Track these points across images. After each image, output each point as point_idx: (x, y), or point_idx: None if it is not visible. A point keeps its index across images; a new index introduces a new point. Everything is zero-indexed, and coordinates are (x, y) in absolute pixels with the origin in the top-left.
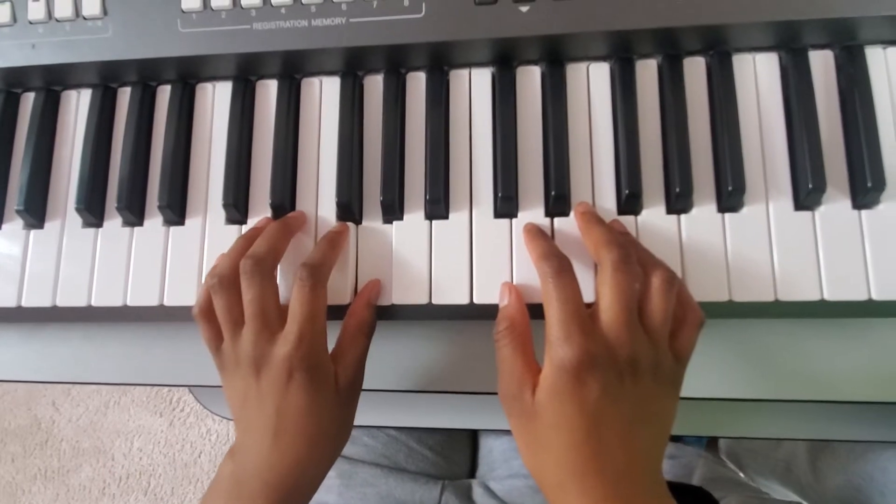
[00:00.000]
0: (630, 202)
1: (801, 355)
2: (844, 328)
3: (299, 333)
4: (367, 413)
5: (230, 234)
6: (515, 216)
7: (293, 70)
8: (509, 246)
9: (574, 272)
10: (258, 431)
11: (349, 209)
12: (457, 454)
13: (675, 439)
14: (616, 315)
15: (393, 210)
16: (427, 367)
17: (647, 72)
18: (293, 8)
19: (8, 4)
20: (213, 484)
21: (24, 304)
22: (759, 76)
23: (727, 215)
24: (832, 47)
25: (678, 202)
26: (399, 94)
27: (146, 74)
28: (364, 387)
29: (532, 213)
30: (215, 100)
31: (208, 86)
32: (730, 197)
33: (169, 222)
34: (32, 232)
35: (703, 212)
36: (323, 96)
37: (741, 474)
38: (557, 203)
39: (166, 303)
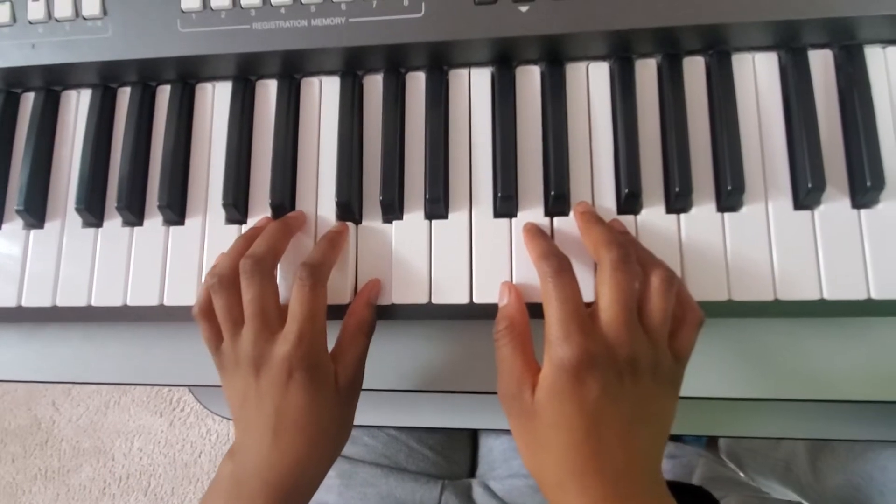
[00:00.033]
0: (629, 201)
1: (800, 354)
2: (844, 327)
3: (299, 333)
4: (367, 413)
5: (230, 234)
6: (515, 216)
7: (293, 70)
8: (509, 245)
9: (573, 272)
10: (258, 431)
11: (349, 209)
12: (457, 454)
13: (675, 439)
14: (615, 314)
15: (392, 210)
16: (427, 367)
17: (647, 71)
18: (293, 8)
19: (8, 4)
20: (212, 484)
21: (24, 303)
22: (758, 76)
23: (726, 215)
24: (831, 47)
25: (678, 201)
26: (399, 93)
27: (146, 74)
28: (364, 386)
29: (532, 212)
30: (215, 100)
31: (208, 86)
32: (729, 196)
33: (169, 222)
34: (32, 232)
35: (703, 211)
36: (322, 96)
37: (741, 474)
38: (557, 202)
39: (166, 302)
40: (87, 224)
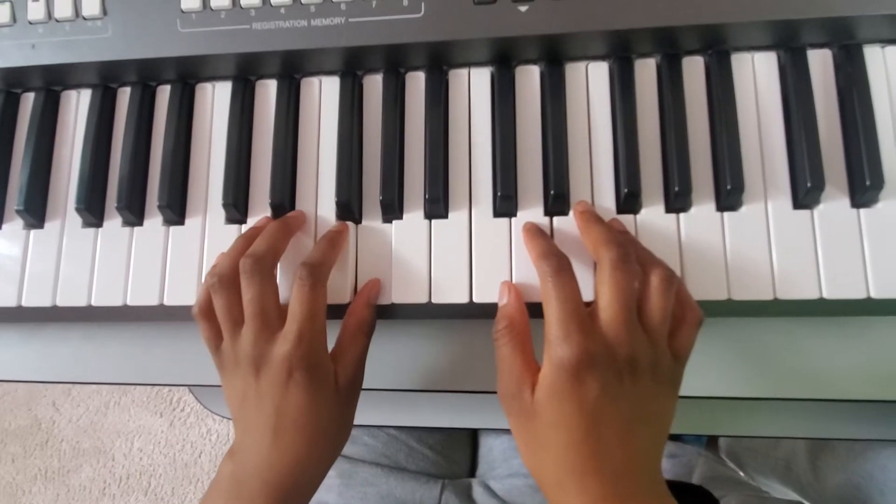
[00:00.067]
0: (629, 201)
1: (799, 354)
2: (843, 326)
3: (299, 332)
4: (367, 412)
5: (230, 234)
6: (515, 215)
7: (293, 70)
8: (508, 245)
9: (573, 271)
10: (257, 431)
11: (349, 208)
12: (457, 453)
13: (675, 438)
14: (615, 314)
15: (392, 209)
16: (427, 367)
17: (646, 71)
18: (292, 8)
19: (8, 4)
20: (213, 484)
21: (24, 303)
22: (757, 75)
23: (726, 214)
24: (831, 46)
25: (677, 201)
26: (398, 93)
27: (146, 74)
28: (364, 386)
29: (531, 212)
30: (215, 100)
31: (208, 86)
32: (728, 196)
33: (169, 222)
34: (32, 232)
35: (702, 211)
36: (322, 96)
37: (741, 473)
38: (556, 202)
39: (166, 302)
40: (87, 224)
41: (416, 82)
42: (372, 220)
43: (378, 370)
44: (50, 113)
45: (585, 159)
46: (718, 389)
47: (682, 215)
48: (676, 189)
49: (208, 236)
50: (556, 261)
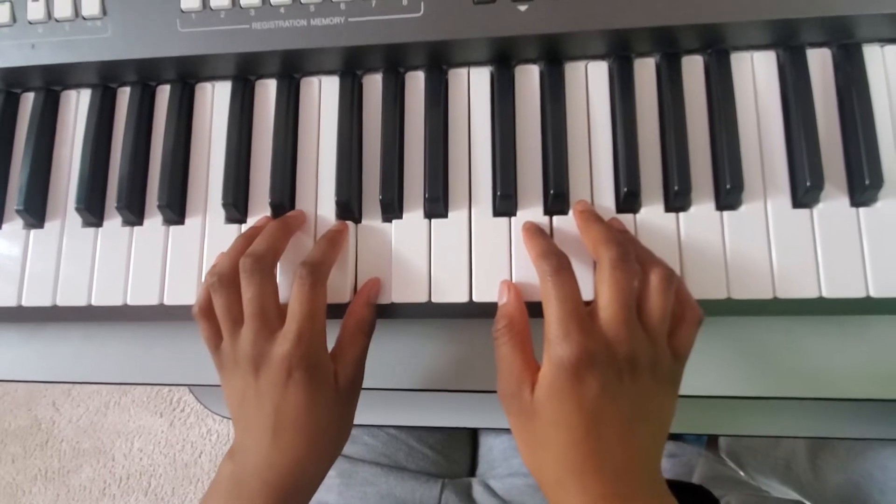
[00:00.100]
0: (629, 200)
1: (799, 353)
2: (843, 325)
3: (298, 332)
4: (367, 412)
5: (230, 234)
6: (514, 214)
7: (292, 69)
8: (508, 244)
9: (573, 270)
10: (257, 430)
11: (348, 208)
12: (457, 453)
13: (675, 438)
14: (615, 313)
15: (392, 209)
16: (427, 366)
17: (646, 70)
18: (292, 7)
19: (7, 4)
20: (213, 484)
21: (24, 303)
22: (756, 74)
23: (725, 213)
24: (830, 45)
25: (677, 200)
26: (398, 93)
27: (146, 74)
28: (364, 385)
29: (531, 211)
30: (215, 99)
31: (208, 85)
32: (728, 195)
33: (169, 221)
34: (32, 231)
35: (702, 210)
36: (322, 95)
37: (741, 473)
38: (556, 201)
39: (166, 302)
40: (87, 224)
41: (416, 82)
42: (372, 220)
43: (378, 369)
44: (50, 113)
45: (585, 158)
46: (718, 389)
47: (681, 214)
48: (676, 188)
49: (208, 236)
50: (556, 260)
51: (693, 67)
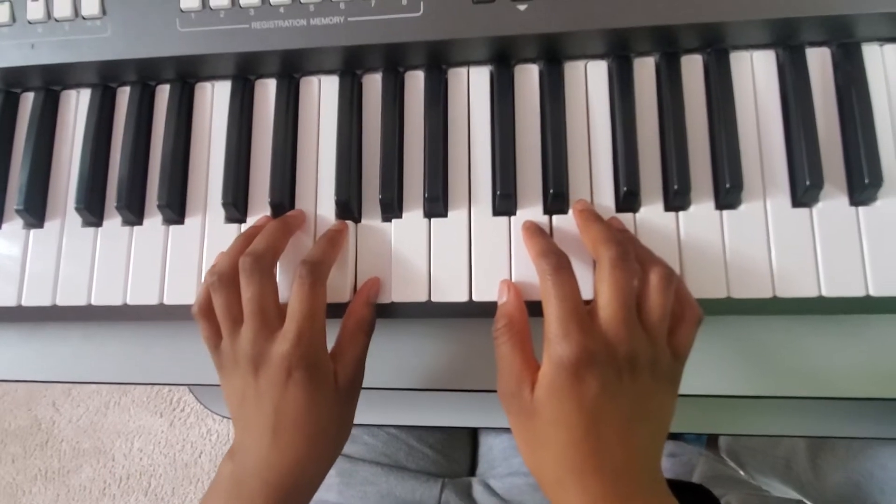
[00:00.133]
0: (628, 200)
1: (799, 352)
2: (842, 324)
3: (298, 331)
4: (367, 411)
5: (230, 233)
6: (514, 214)
7: (292, 69)
8: (508, 243)
9: (572, 269)
10: (257, 430)
11: (348, 207)
12: (457, 452)
13: (675, 437)
14: (614, 312)
15: (392, 208)
16: (427, 365)
17: (645, 70)
18: (292, 7)
19: (7, 4)
20: (213, 484)
21: (24, 303)
22: (756, 74)
23: (725, 212)
24: (829, 44)
25: (676, 199)
26: (397, 92)
27: (145, 74)
28: (364, 385)
29: (531, 210)
30: (214, 99)
31: (207, 85)
32: (727, 194)
33: (168, 221)
34: (32, 231)
35: (701, 209)
36: (322, 95)
37: (741, 472)
38: (556, 201)
39: (166, 301)
40: (86, 223)
41: (416, 81)
42: (371, 219)
43: (378, 369)
44: (49, 112)
45: (584, 158)
46: (718, 388)
47: (681, 214)
48: (675, 187)
49: (208, 235)
50: (556, 259)
51: (692, 67)
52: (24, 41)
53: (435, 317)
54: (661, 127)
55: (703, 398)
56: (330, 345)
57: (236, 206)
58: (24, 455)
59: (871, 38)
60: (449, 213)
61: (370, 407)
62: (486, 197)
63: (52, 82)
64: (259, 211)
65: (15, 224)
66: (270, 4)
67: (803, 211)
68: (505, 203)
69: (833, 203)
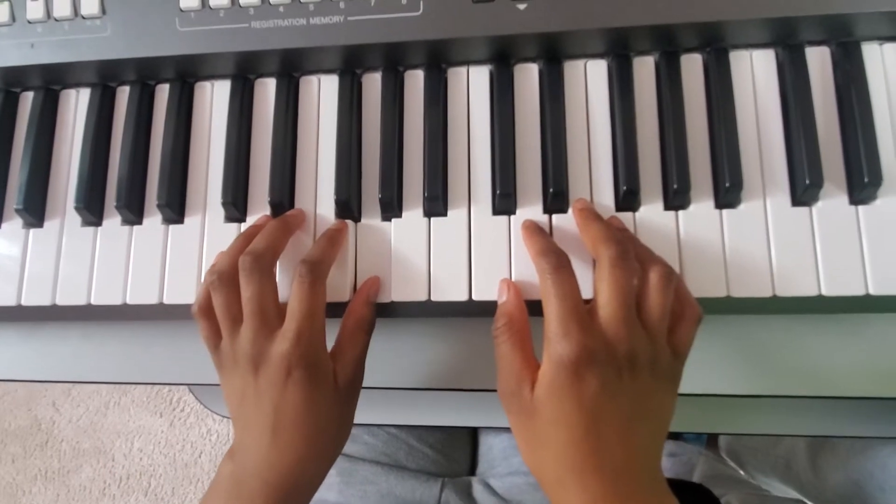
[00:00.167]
0: (628, 199)
1: (799, 351)
2: (842, 323)
3: (298, 331)
4: (367, 411)
5: (229, 233)
6: (514, 213)
7: (291, 68)
8: (508, 243)
9: (572, 268)
10: (256, 430)
11: (348, 207)
12: (457, 452)
13: (675, 437)
14: (614, 311)
15: (391, 207)
16: (427, 365)
17: (645, 69)
18: (291, 6)
19: (6, 4)
20: (212, 484)
21: (23, 302)
22: (755, 73)
23: (725, 211)
24: (829, 43)
25: (676, 199)
26: (397, 91)
27: (145, 73)
28: (364, 384)
29: (530, 209)
30: (214, 98)
31: (207, 84)
32: (727, 193)
33: (168, 221)
34: (32, 231)
35: (701, 208)
36: (321, 94)
37: (741, 472)
38: (556, 200)
39: (166, 301)
40: (86, 223)
41: (415, 80)
42: (371, 219)
43: (378, 368)
44: (49, 112)
45: (584, 157)
46: (718, 387)
47: (680, 213)
48: (675, 186)
49: (207, 235)
50: (556, 258)
51: (692, 66)
52: (24, 41)
53: (435, 316)
54: (660, 126)
55: (703, 397)
56: (330, 344)
57: (236, 205)
58: (24, 455)
59: (871, 37)
60: (449, 213)
61: (370, 407)
62: (486, 196)
63: (51, 82)
64: (259, 210)
65: (14, 223)
66: (270, 4)
67: (803, 210)
68: (505, 202)
69: (833, 202)
